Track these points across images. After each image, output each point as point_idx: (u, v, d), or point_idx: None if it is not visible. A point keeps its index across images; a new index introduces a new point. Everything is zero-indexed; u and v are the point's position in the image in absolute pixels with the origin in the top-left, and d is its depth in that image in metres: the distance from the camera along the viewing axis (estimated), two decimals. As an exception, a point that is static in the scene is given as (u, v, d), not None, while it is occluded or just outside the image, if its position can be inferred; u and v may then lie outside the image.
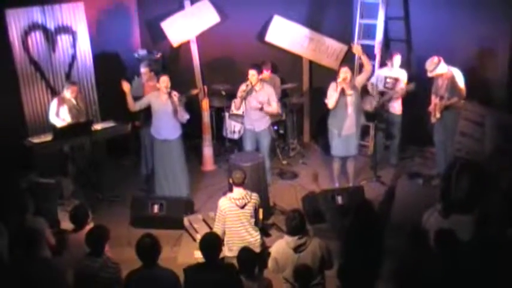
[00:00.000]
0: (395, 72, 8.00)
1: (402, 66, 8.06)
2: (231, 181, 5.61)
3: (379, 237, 4.66)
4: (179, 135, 7.21)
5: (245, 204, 5.47)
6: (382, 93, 8.01)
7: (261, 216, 5.87)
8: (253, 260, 4.52)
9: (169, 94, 7.00)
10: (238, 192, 5.51)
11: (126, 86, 6.98)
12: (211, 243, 4.45)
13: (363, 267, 4.57)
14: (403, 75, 7.96)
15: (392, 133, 8.18)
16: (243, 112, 8.08)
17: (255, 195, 5.58)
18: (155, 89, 7.18)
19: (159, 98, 7.06)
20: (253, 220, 5.55)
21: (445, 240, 4.40)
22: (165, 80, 6.98)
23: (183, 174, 7.35)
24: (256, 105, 7.32)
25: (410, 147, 8.64)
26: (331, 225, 5.19)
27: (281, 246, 4.76)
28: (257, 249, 5.36)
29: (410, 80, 7.97)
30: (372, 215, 4.71)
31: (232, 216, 5.47)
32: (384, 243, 4.67)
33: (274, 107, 7.43)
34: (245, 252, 4.61)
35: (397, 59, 7.97)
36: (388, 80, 8.03)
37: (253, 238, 5.50)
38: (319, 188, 5.36)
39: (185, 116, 7.17)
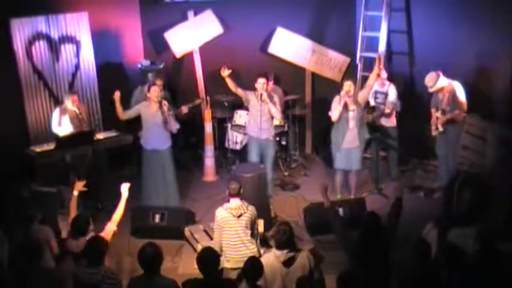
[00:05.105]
0: (384, 87, 8.00)
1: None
2: (227, 192, 5.62)
3: (385, 249, 4.63)
4: (169, 146, 7.22)
5: (241, 214, 5.47)
6: (373, 108, 8.01)
7: (260, 228, 5.85)
8: (257, 269, 4.45)
9: (160, 104, 7.02)
10: (234, 202, 5.52)
11: (116, 94, 7.02)
12: (208, 259, 4.39)
13: (369, 279, 4.54)
14: (391, 90, 7.95)
15: (390, 145, 8.17)
16: (244, 123, 8.09)
17: (251, 208, 5.58)
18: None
19: (149, 108, 7.07)
20: (249, 232, 5.53)
21: (453, 257, 4.36)
22: (155, 90, 7.02)
23: (173, 186, 7.33)
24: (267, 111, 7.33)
25: (412, 160, 8.64)
26: (337, 237, 5.16)
27: (269, 260, 4.69)
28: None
29: (402, 96, 7.97)
30: (379, 227, 4.69)
31: (229, 226, 5.46)
32: (390, 255, 4.64)
33: (279, 109, 7.45)
34: (251, 261, 4.55)
35: (384, 73, 7.97)
36: (377, 95, 8.05)
37: (249, 250, 5.46)
38: (328, 200, 5.34)
39: (175, 126, 7.17)
